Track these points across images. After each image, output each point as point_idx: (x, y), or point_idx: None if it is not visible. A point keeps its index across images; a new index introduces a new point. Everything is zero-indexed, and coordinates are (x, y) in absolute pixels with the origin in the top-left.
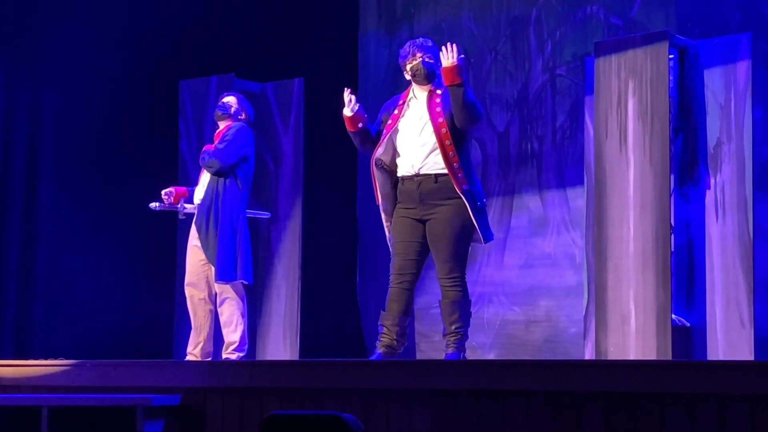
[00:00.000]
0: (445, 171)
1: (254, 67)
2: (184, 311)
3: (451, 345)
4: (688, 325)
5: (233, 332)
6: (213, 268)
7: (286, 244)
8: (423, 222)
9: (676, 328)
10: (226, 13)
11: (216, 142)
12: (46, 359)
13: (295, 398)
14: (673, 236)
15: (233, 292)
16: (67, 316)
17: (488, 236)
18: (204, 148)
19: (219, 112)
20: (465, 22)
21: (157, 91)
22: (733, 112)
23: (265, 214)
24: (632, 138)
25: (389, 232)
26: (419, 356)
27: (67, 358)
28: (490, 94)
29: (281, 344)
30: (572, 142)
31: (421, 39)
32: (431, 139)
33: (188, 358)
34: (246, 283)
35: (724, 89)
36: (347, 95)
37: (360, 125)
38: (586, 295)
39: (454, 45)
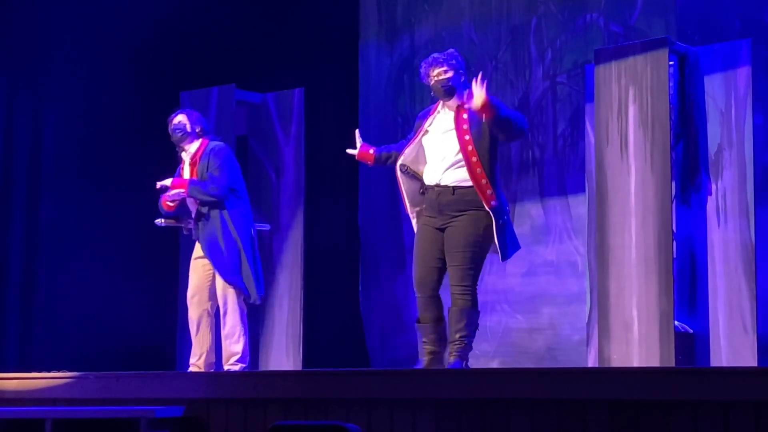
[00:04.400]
0: (463, 184)
1: (255, 78)
2: (186, 323)
3: (454, 354)
4: (691, 331)
5: (236, 343)
6: (217, 279)
7: (288, 254)
8: (442, 230)
9: (679, 335)
10: (227, 24)
11: (192, 165)
12: (49, 372)
13: (298, 408)
14: (675, 243)
15: (235, 304)
16: (70, 329)
17: (507, 254)
18: (190, 182)
19: (176, 135)
20: (465, 31)
21: (158, 102)
22: (734, 118)
23: (264, 227)
24: (633, 145)
25: (415, 236)
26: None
27: (70, 371)
28: None
29: (284, 355)
30: (573, 149)
31: (434, 55)
32: (452, 153)
33: (191, 369)
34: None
35: (725, 95)
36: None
37: (371, 162)
38: (588, 303)
39: (479, 78)
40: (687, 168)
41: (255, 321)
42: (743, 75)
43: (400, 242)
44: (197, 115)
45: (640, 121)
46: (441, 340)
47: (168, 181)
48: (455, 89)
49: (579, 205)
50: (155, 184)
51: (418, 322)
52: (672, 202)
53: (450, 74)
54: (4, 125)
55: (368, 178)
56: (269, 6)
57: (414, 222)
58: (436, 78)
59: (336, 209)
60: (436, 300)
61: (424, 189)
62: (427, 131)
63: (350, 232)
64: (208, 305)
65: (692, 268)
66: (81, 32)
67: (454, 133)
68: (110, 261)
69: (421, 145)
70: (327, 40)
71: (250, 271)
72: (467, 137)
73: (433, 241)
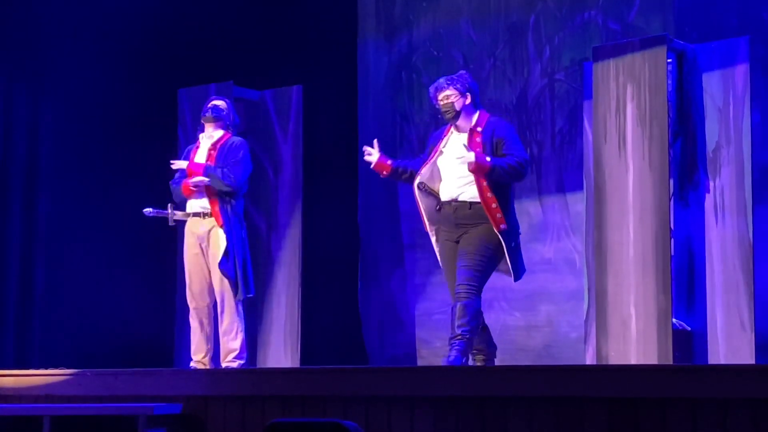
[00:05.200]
0: (479, 200)
1: (253, 75)
2: (184, 319)
3: (455, 349)
4: (689, 329)
5: (233, 340)
6: (214, 275)
7: (286, 251)
8: (458, 242)
9: (676, 332)
10: (225, 20)
11: (212, 150)
12: (47, 369)
13: (296, 406)
14: (672, 240)
15: (233, 300)
16: (68, 326)
17: (519, 274)
18: (206, 168)
19: (211, 115)
20: (464, 29)
21: (156, 99)
22: (732, 115)
23: None
24: (631, 142)
25: (437, 250)
26: (420, 362)
27: (68, 368)
28: (489, 99)
29: (282, 352)
30: (571, 147)
31: (440, 80)
32: (468, 172)
33: (196, 366)
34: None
35: (723, 93)
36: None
37: (385, 172)
38: (586, 300)
39: (467, 157)
40: (685, 166)
41: (253, 318)
42: (741, 72)
43: (399, 240)
44: (235, 112)
45: (638, 118)
46: (489, 344)
47: (184, 164)
48: (460, 112)
49: (577, 203)
50: (170, 165)
51: None
52: (670, 199)
53: (453, 98)
54: (2, 121)
55: (367, 176)
56: (268, 3)
57: (433, 240)
58: (442, 102)
59: (334, 207)
60: None
61: (440, 206)
62: (441, 152)
63: (349, 230)
64: (208, 300)
65: (690, 265)
66: (79, 28)
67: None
68: (108, 257)
69: (435, 165)
70: (325, 37)
71: (238, 270)
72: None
73: (455, 258)
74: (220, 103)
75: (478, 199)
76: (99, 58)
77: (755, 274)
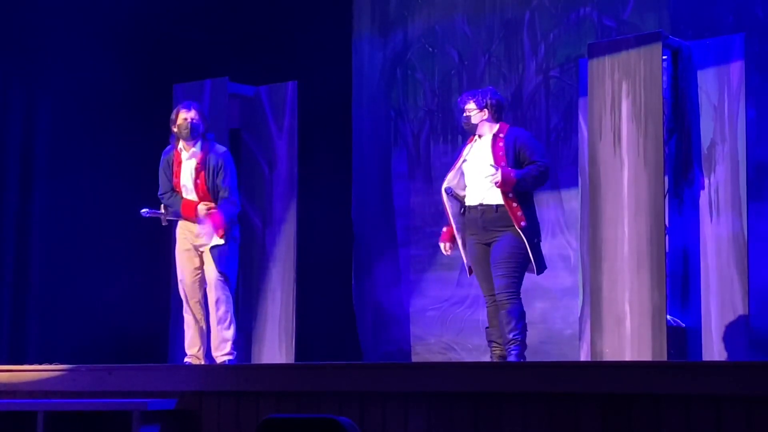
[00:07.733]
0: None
1: (248, 71)
2: (179, 314)
3: (513, 354)
4: (683, 325)
5: (227, 329)
6: (208, 268)
7: (281, 247)
8: (488, 245)
9: (671, 329)
10: (220, 16)
11: (199, 167)
12: (41, 364)
13: (291, 402)
14: (667, 237)
15: (228, 291)
16: (63, 321)
17: (542, 267)
18: (222, 220)
19: (186, 131)
20: (459, 25)
21: (151, 95)
22: (727, 112)
23: None
24: (626, 139)
25: (464, 254)
26: (414, 359)
27: (62, 363)
28: None
29: (277, 348)
30: (566, 143)
31: (465, 93)
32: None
33: (190, 360)
34: None
35: (718, 90)
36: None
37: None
38: (581, 297)
39: (495, 175)
40: (680, 162)
41: (248, 314)
42: (736, 69)
43: (393, 236)
44: (205, 114)
45: (633, 115)
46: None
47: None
48: (474, 126)
49: (571, 199)
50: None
51: (488, 327)
52: (665, 196)
53: (471, 112)
54: None
55: (362, 172)
56: None
57: (460, 243)
58: (464, 114)
59: (329, 202)
60: None
61: (464, 209)
62: (465, 159)
63: (343, 226)
64: (200, 295)
65: (684, 262)
66: (75, 24)
67: (491, 159)
68: (103, 253)
69: (461, 172)
70: (320, 33)
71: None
72: (502, 164)
73: (485, 258)
74: (194, 115)
75: (503, 202)
76: (94, 54)
77: (749, 270)
